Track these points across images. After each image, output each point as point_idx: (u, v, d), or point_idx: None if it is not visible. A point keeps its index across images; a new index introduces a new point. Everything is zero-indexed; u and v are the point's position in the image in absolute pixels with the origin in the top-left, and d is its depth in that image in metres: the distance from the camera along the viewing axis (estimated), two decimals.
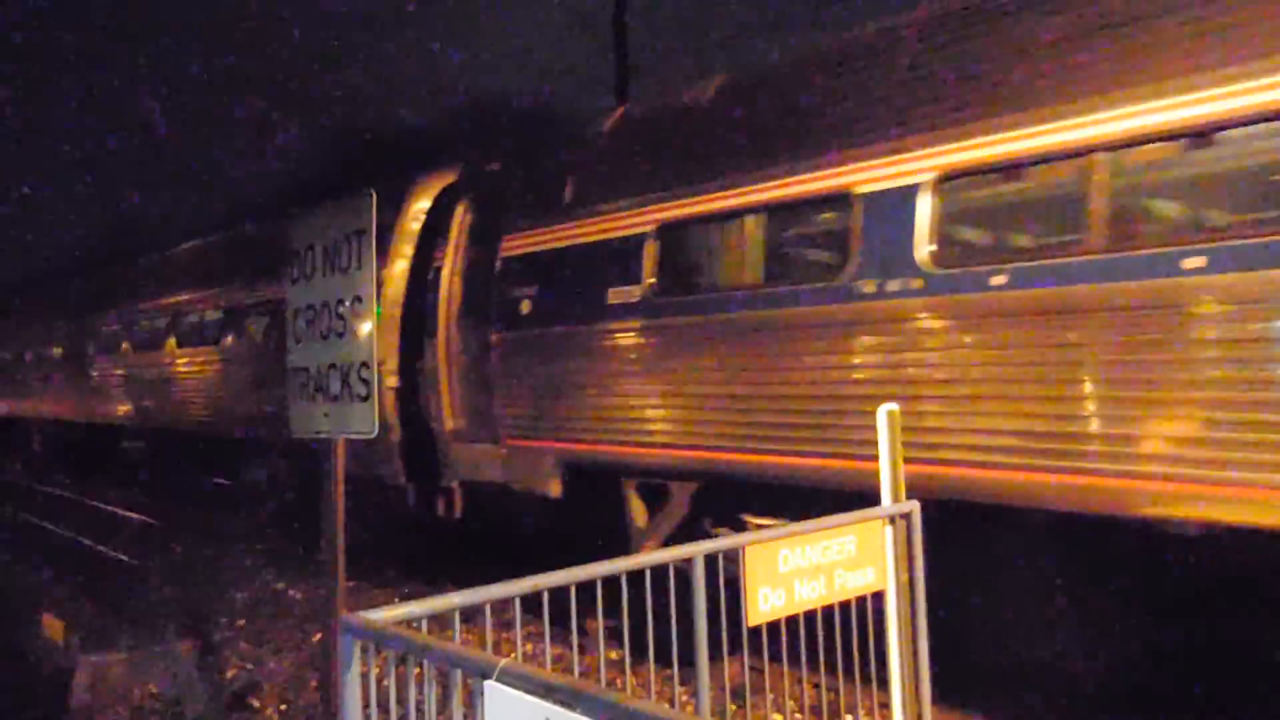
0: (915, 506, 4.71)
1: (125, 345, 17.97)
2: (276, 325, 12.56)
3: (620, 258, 7.48)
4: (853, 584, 4.44)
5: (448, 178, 10.14)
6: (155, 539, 13.39)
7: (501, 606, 3.34)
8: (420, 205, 10.00)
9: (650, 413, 7.24)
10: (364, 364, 4.23)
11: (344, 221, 4.37)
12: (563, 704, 2.33)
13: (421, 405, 9.51)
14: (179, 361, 15.85)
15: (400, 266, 9.84)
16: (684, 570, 3.93)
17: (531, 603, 3.45)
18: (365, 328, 4.28)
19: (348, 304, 4.33)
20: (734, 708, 6.18)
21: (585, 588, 3.56)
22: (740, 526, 6.93)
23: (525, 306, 8.27)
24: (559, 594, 3.49)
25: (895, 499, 4.73)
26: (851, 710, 4.69)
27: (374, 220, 4.24)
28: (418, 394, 9.60)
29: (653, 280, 7.26)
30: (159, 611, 9.39)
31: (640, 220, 7.42)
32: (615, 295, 7.49)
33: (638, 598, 3.75)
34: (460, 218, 9.43)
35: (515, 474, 8.45)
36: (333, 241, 4.42)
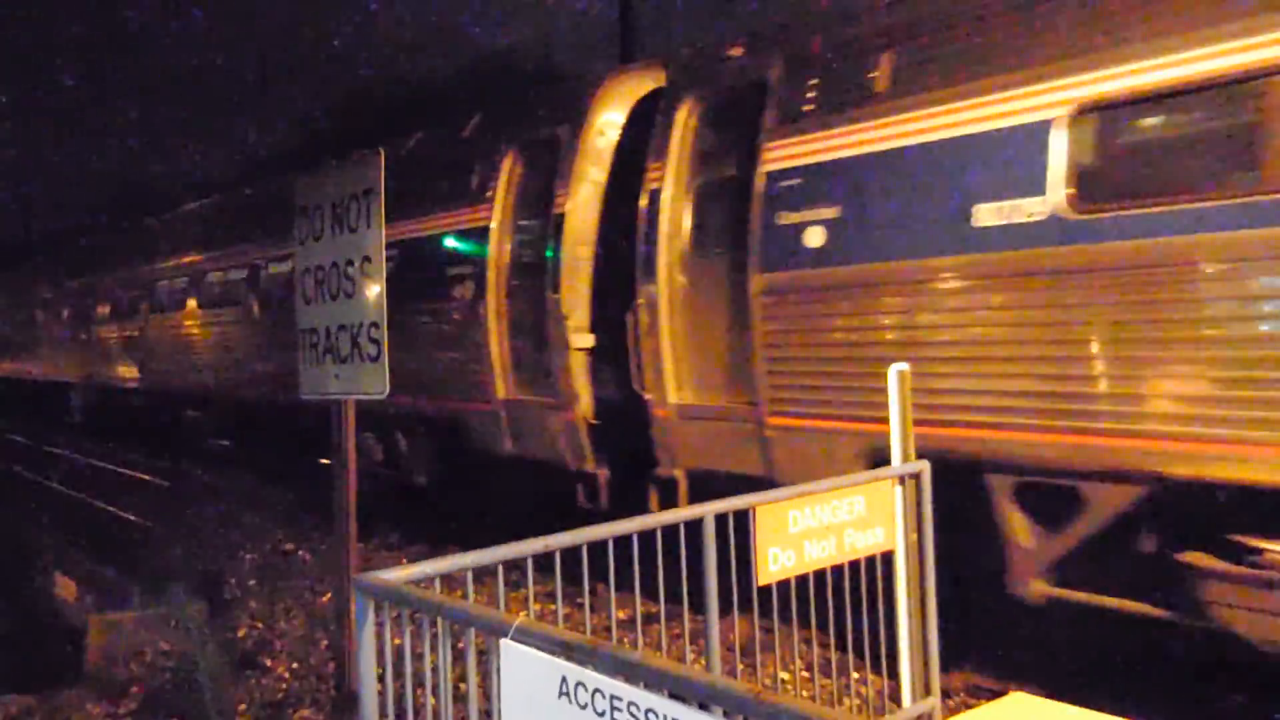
0: (925, 466, 4.71)
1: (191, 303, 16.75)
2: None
3: (998, 159, 5.39)
4: (862, 544, 4.45)
5: (647, 78, 8.36)
6: (167, 500, 13.49)
7: (511, 567, 3.35)
8: (609, 116, 8.24)
9: (1049, 382, 5.19)
10: (374, 324, 4.21)
11: (353, 180, 4.33)
12: (579, 661, 2.34)
13: (628, 371, 7.53)
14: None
15: (585, 194, 8.04)
16: (694, 530, 3.94)
17: (542, 563, 3.46)
18: (374, 288, 4.26)
19: (357, 264, 4.30)
20: (743, 665, 6.24)
21: (597, 547, 3.57)
22: (1233, 557, 4.86)
23: (813, 237, 6.20)
24: (570, 554, 3.50)
25: (905, 459, 4.72)
26: (859, 669, 4.73)
27: (382, 178, 4.19)
28: (618, 356, 7.66)
29: (1072, 190, 5.12)
30: (170, 571, 9.47)
31: (1044, 100, 5.23)
32: (988, 214, 5.40)
33: (649, 557, 3.76)
34: (683, 125, 7.29)
35: (785, 464, 6.41)
36: (341, 200, 4.38)
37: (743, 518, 4.07)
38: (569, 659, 2.37)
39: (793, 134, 6.39)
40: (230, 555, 10.28)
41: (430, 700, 3.01)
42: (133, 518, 12.33)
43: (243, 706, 6.42)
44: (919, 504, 4.69)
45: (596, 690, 2.26)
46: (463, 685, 3.01)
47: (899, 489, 4.64)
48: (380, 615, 3.04)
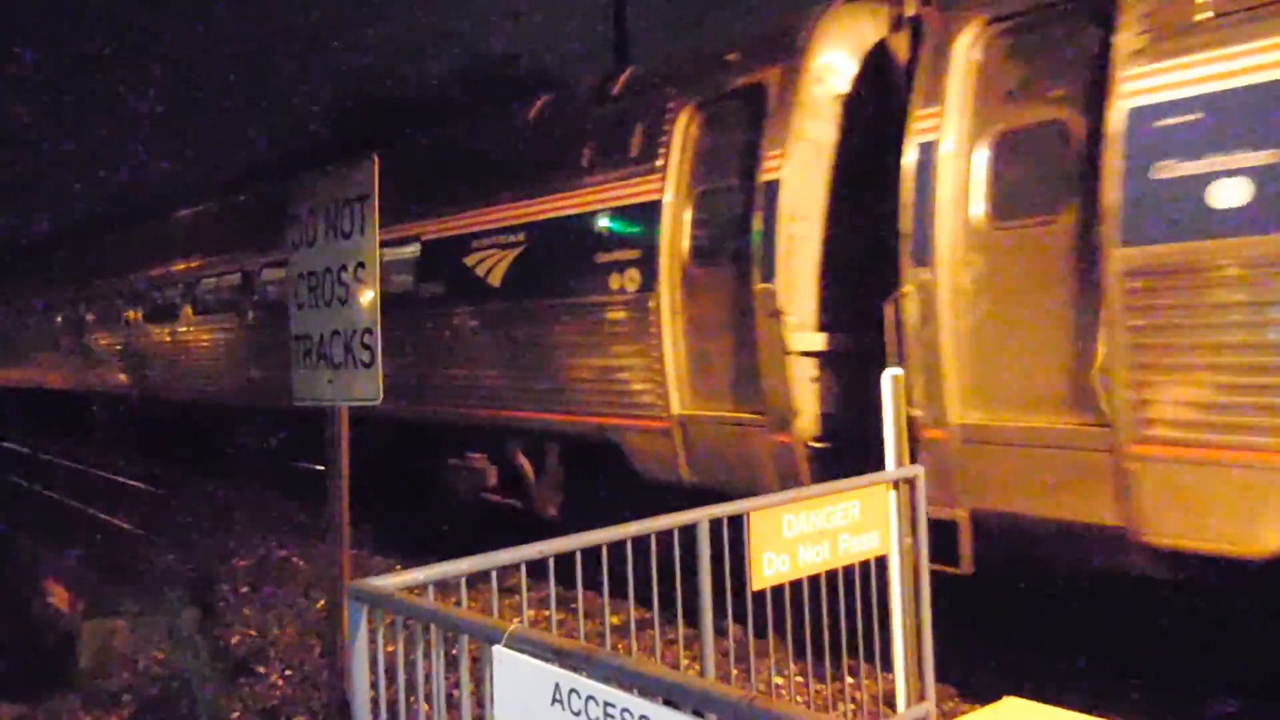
0: (919, 471, 4.72)
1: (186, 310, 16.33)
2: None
3: None
4: (856, 549, 4.45)
5: (882, 9, 6.85)
6: (160, 508, 13.45)
7: (505, 573, 3.34)
8: (833, 57, 6.67)
9: None
10: (367, 330, 4.21)
11: (346, 186, 4.32)
12: (572, 668, 2.34)
13: (867, 380, 5.87)
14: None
15: (805, 156, 6.42)
16: (688, 536, 3.94)
17: (536, 570, 3.45)
18: (368, 294, 4.25)
19: (350, 270, 4.30)
20: (737, 670, 6.23)
21: (591, 553, 3.56)
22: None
23: (1224, 194, 4.49)
24: (564, 560, 3.50)
25: (899, 463, 4.73)
26: (854, 674, 4.73)
27: (376, 185, 4.19)
28: (855, 361, 6.41)
29: None
30: (163, 578, 9.44)
31: None
32: None
33: (643, 564, 3.76)
34: (966, 56, 5.66)
35: (1165, 511, 4.75)
36: (335, 206, 4.38)
37: (737, 522, 4.07)
38: (562, 665, 2.36)
39: (1176, 53, 4.71)
40: (224, 562, 10.25)
41: (423, 707, 3.00)
42: (126, 525, 12.29)
43: (236, 714, 6.40)
44: (913, 508, 4.70)
45: (590, 697, 2.26)
46: (456, 692, 3.00)
47: (893, 494, 4.64)
48: (373, 622, 3.03)
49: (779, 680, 5.95)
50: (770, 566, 4.13)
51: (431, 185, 10.09)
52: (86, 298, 20.84)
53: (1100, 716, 4.61)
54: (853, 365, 6.40)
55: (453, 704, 3.05)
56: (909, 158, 5.74)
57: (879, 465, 5.61)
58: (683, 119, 7.22)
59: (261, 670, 7.02)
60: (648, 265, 7.18)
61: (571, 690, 2.31)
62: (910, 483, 4.70)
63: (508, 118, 9.60)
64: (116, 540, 11.59)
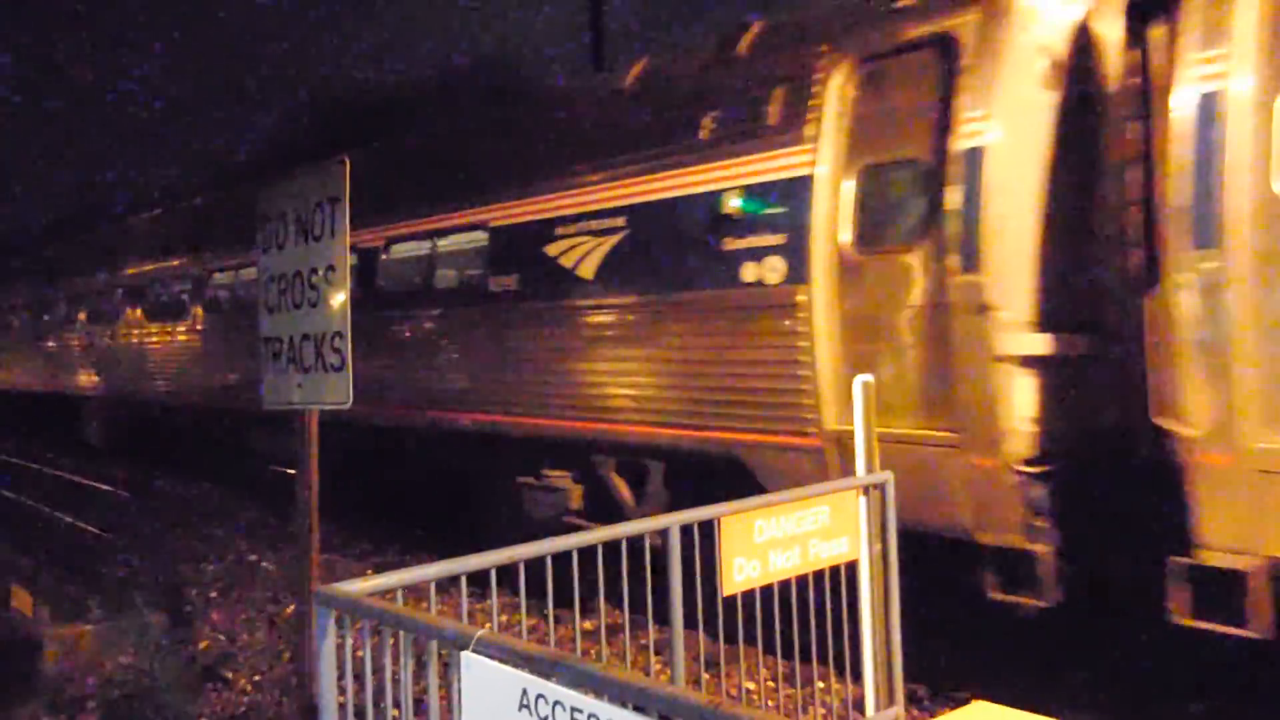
0: (889, 477, 4.75)
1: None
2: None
3: None
4: (827, 554, 4.48)
5: None
6: (127, 511, 13.28)
7: (476, 577, 3.33)
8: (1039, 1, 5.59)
9: None
10: (338, 334, 4.19)
11: (317, 188, 4.30)
12: (540, 673, 2.34)
13: (1099, 390, 5.44)
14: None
15: (1012, 116, 5.40)
16: (659, 541, 3.95)
17: (507, 575, 3.45)
18: (339, 297, 4.23)
19: (321, 273, 4.27)
20: (708, 676, 6.25)
21: (562, 558, 3.56)
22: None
23: None
24: (534, 565, 3.49)
25: (869, 469, 4.76)
26: (824, 678, 4.76)
27: (347, 187, 4.17)
28: (1086, 370, 5.53)
29: None
30: (130, 583, 9.32)
31: None
32: None
33: (614, 569, 3.76)
34: None
35: None
36: (305, 209, 4.35)
37: (708, 528, 4.09)
38: (530, 671, 2.36)
39: None
40: (192, 566, 10.13)
41: (392, 712, 2.99)
42: (92, 528, 12.13)
43: None
44: (883, 514, 4.73)
45: (557, 702, 2.26)
46: (425, 698, 2.99)
47: (863, 499, 4.68)
48: (341, 627, 3.02)
49: (750, 685, 5.97)
50: (741, 572, 4.15)
51: (497, 166, 9.00)
52: (47, 299, 20.57)
53: None
54: (1073, 372, 5.47)
55: (421, 709, 3.04)
56: (1183, 111, 4.57)
57: (1121, 504, 5.14)
58: (838, 79, 6.15)
59: (229, 676, 6.95)
60: (794, 252, 6.12)
61: (539, 695, 2.30)
62: (880, 488, 4.73)
63: (595, 87, 8.64)
64: (82, 544, 11.43)
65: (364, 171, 11.53)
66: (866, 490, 4.69)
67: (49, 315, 20.78)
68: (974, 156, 5.41)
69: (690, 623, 4.10)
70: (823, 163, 6.13)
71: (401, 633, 2.87)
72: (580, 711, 2.19)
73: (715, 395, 6.58)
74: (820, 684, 5.13)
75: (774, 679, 4.76)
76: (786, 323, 6.18)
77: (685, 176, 6.96)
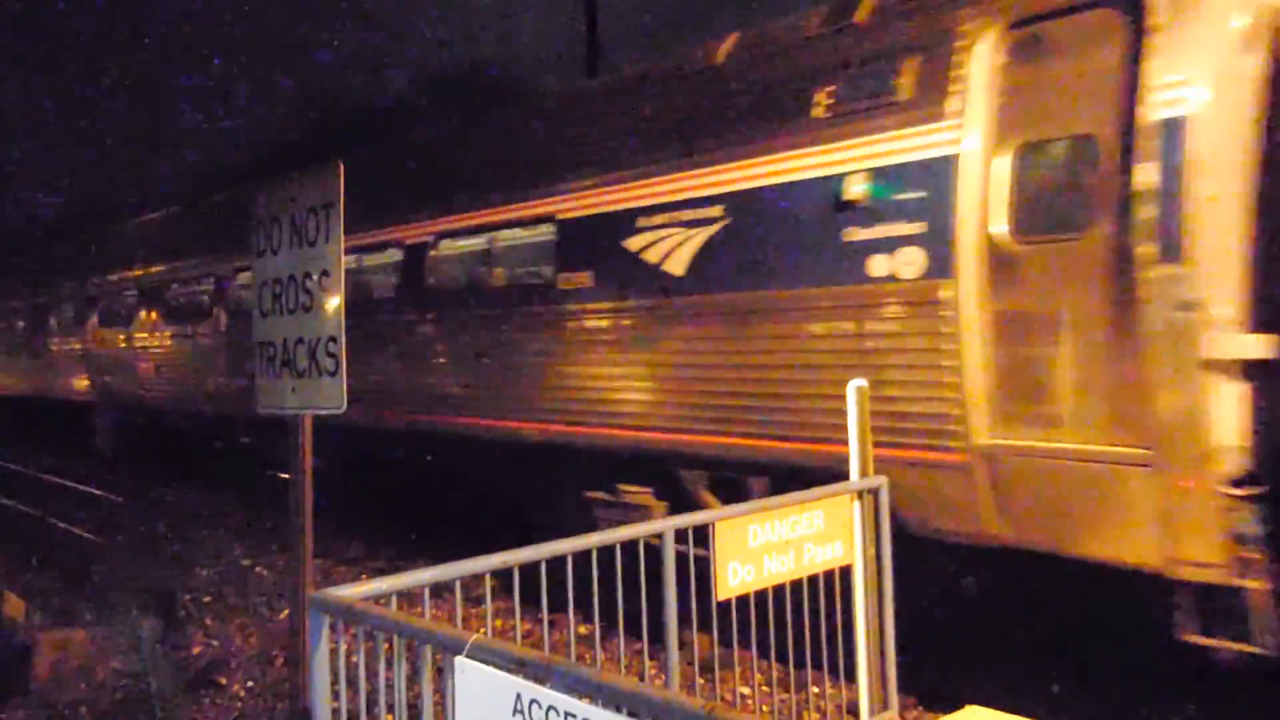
0: (883, 482, 4.76)
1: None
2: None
3: None
4: (821, 558, 4.49)
5: None
6: (121, 516, 13.24)
7: (471, 583, 3.33)
8: None
9: None
10: (332, 338, 4.18)
11: (311, 193, 4.30)
12: (533, 678, 2.34)
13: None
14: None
15: (1218, 83, 4.71)
16: (654, 546, 3.95)
17: (502, 579, 3.45)
18: (333, 301, 4.23)
19: (315, 278, 4.27)
20: (703, 680, 6.24)
21: (556, 563, 3.56)
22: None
23: None
24: (529, 570, 3.49)
25: (863, 474, 4.77)
26: (819, 683, 4.75)
27: (342, 192, 4.17)
28: None
29: None
30: (123, 588, 9.29)
31: None
32: None
33: (609, 573, 3.76)
34: None
35: None
36: (300, 214, 4.35)
37: (703, 533, 4.09)
38: (524, 676, 2.36)
39: None
40: (186, 571, 10.11)
41: (385, 718, 2.99)
42: (85, 533, 12.09)
43: None
44: (877, 518, 4.74)
45: (551, 707, 2.26)
46: (419, 703, 2.99)
47: (857, 504, 4.68)
48: (335, 633, 3.01)
49: (745, 690, 5.97)
50: (735, 576, 4.15)
51: (567, 153, 8.24)
52: (45, 303, 20.49)
53: None
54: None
55: (415, 715, 3.04)
56: None
57: None
58: (985, 45, 5.49)
59: (223, 681, 6.93)
60: (935, 243, 5.46)
61: (532, 701, 2.30)
62: (874, 493, 4.74)
63: (680, 63, 7.74)
64: (75, 548, 11.39)
65: (409, 160, 10.60)
66: (860, 495, 4.70)
67: (38, 320, 20.70)
68: (1172, 129, 4.71)
69: (686, 627, 4.10)
70: (969, 141, 5.44)
71: (395, 638, 2.87)
72: (574, 716, 2.20)
73: (832, 404, 5.63)
74: (815, 689, 5.13)
75: (769, 684, 4.76)
76: (925, 321, 5.51)
77: (795, 160, 6.25)
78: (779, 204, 6.33)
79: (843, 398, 5.30)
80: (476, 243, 9.06)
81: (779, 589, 4.33)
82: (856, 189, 5.86)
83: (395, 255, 9.89)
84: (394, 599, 3.11)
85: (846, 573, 4.67)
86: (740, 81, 6.97)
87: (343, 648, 3.03)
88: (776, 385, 6.31)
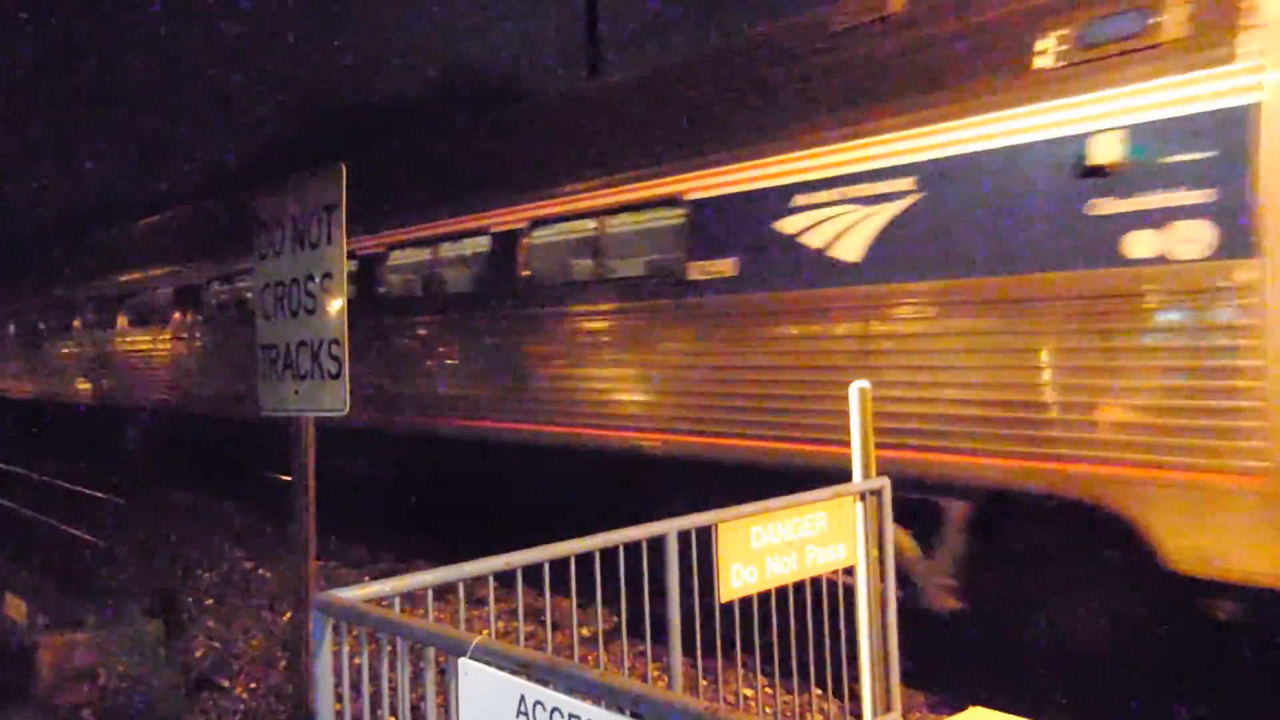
0: (886, 483, 4.75)
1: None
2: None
3: None
4: (824, 560, 4.48)
5: None
6: (123, 518, 13.24)
7: (473, 585, 3.33)
8: None
9: None
10: (334, 341, 4.18)
11: (314, 196, 4.31)
12: (537, 680, 2.34)
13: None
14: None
15: None
16: (657, 547, 3.94)
17: (505, 580, 3.45)
18: (336, 304, 4.23)
19: (318, 280, 4.27)
20: (706, 682, 6.24)
21: (559, 565, 3.56)
22: None
23: None
24: (532, 571, 3.49)
25: (866, 475, 4.77)
26: (822, 684, 4.75)
27: (344, 194, 4.17)
28: None
29: None
30: (125, 591, 9.29)
31: None
32: None
33: (612, 575, 3.76)
34: None
35: None
36: (302, 216, 4.36)
37: (705, 534, 4.09)
38: (528, 678, 2.36)
39: None
40: (188, 573, 10.11)
41: None
42: (87, 535, 12.09)
43: None
44: (880, 520, 4.74)
45: (555, 709, 2.26)
46: (422, 705, 2.98)
47: (860, 505, 4.68)
48: (338, 635, 3.01)
49: (748, 692, 5.97)
50: (738, 578, 4.15)
51: (696, 123, 7.22)
52: (45, 306, 20.48)
53: None
54: None
55: (418, 717, 3.03)
56: None
57: None
58: None
59: (225, 683, 6.93)
60: (1226, 216, 4.57)
61: (537, 702, 2.30)
62: (877, 494, 4.73)
63: (841, 13, 6.53)
64: (77, 551, 11.39)
65: (494, 139, 9.49)
66: (864, 496, 4.70)
67: (38, 322, 20.68)
68: None
69: (688, 629, 4.09)
70: (1274, 89, 4.50)
71: (399, 639, 2.86)
72: (578, 718, 2.19)
73: (1074, 413, 4.85)
74: (818, 690, 5.12)
75: (771, 685, 4.75)
76: (1214, 310, 4.61)
77: (1017, 120, 5.31)
78: (992, 173, 5.38)
79: (1080, 406, 4.81)
80: (582, 228, 8.01)
81: (782, 590, 4.33)
82: (1107, 151, 4.92)
83: (481, 244, 8.97)
84: (397, 600, 3.11)
85: (850, 574, 4.66)
86: (927, 30, 5.93)
87: (346, 650, 3.03)
88: (984, 389, 5.36)
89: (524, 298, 8.51)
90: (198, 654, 7.61)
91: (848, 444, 4.83)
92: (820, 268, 6.19)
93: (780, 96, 6.71)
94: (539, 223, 8.44)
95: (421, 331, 9.89)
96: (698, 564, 4.03)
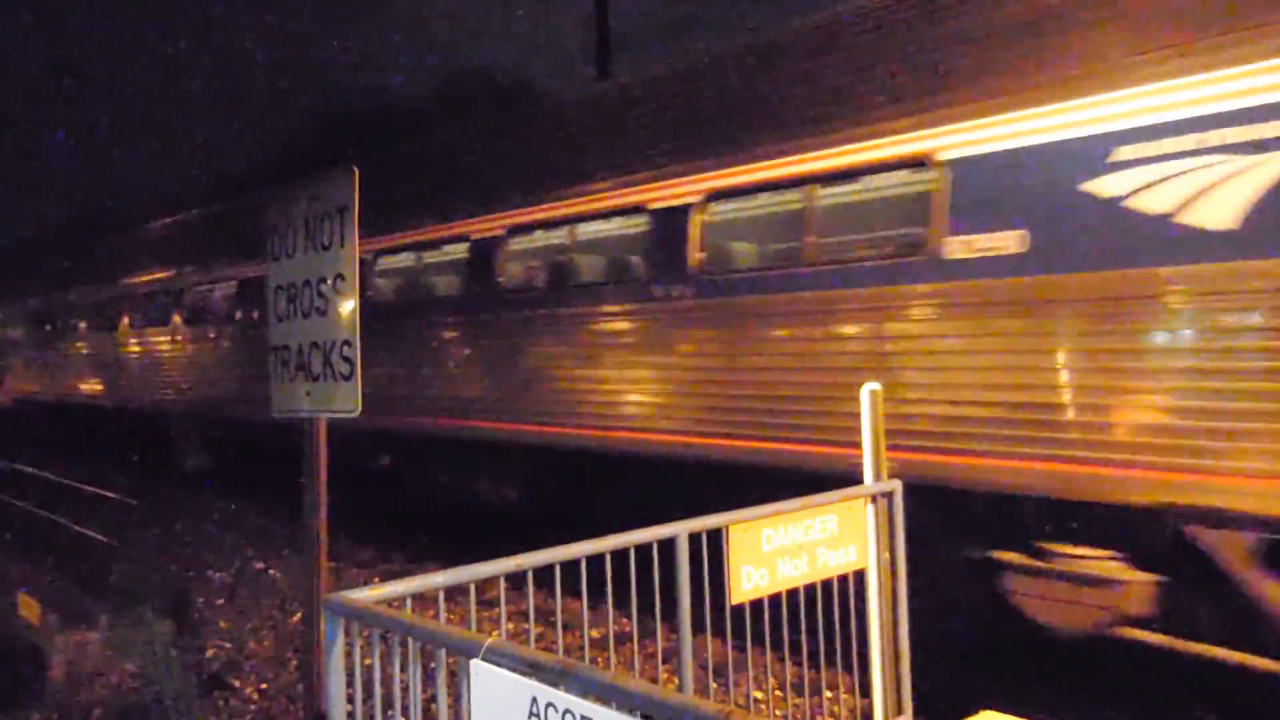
0: (897, 485, 4.74)
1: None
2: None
3: None
4: (835, 563, 4.47)
5: None
6: (134, 519, 13.30)
7: (484, 586, 3.33)
8: None
9: None
10: (346, 342, 4.19)
11: (326, 197, 4.32)
12: (549, 681, 2.33)
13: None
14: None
15: None
16: (668, 549, 3.94)
17: (515, 582, 3.45)
18: (348, 305, 4.24)
19: (330, 282, 4.28)
20: (716, 685, 6.23)
21: (569, 567, 3.56)
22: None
23: None
24: (543, 573, 3.49)
25: (877, 478, 4.75)
26: (832, 688, 4.74)
27: (356, 196, 4.18)
28: None
29: None
30: (137, 591, 9.33)
31: None
32: None
33: (622, 577, 3.76)
34: None
35: None
36: (314, 218, 4.37)
37: (716, 536, 4.08)
38: (539, 679, 2.36)
39: None
40: (199, 574, 10.15)
41: None
42: (99, 536, 12.14)
43: None
44: (891, 522, 4.72)
45: (567, 711, 2.26)
46: (433, 706, 2.99)
47: (871, 507, 4.66)
48: (350, 636, 3.02)
49: (759, 694, 5.95)
50: (749, 580, 4.13)
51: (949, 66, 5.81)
52: (55, 308, 20.56)
53: None
54: None
55: (429, 718, 3.04)
56: None
57: None
58: None
59: (237, 684, 6.95)
60: None
61: (549, 704, 2.30)
62: (888, 497, 4.72)
63: None
64: (89, 552, 11.44)
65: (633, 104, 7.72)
66: (874, 499, 4.68)
67: (48, 325, 20.77)
68: None
69: (699, 631, 4.09)
70: None
71: (410, 641, 2.87)
72: (590, 719, 2.19)
73: None
74: (829, 693, 5.11)
75: (782, 688, 4.75)
76: None
77: None
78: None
79: None
80: (754, 206, 6.68)
81: (792, 592, 4.32)
82: None
83: (644, 222, 7.61)
84: (408, 602, 3.11)
85: (861, 577, 4.65)
86: None
87: (358, 650, 3.03)
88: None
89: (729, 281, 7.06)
90: (208, 654, 7.64)
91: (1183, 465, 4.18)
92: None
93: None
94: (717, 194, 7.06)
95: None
96: (709, 566, 4.02)
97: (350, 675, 3.02)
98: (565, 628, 6.12)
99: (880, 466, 4.77)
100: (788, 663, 4.42)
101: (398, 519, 11.29)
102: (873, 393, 4.80)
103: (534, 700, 2.33)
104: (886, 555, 4.70)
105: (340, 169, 4.28)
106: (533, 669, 2.39)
